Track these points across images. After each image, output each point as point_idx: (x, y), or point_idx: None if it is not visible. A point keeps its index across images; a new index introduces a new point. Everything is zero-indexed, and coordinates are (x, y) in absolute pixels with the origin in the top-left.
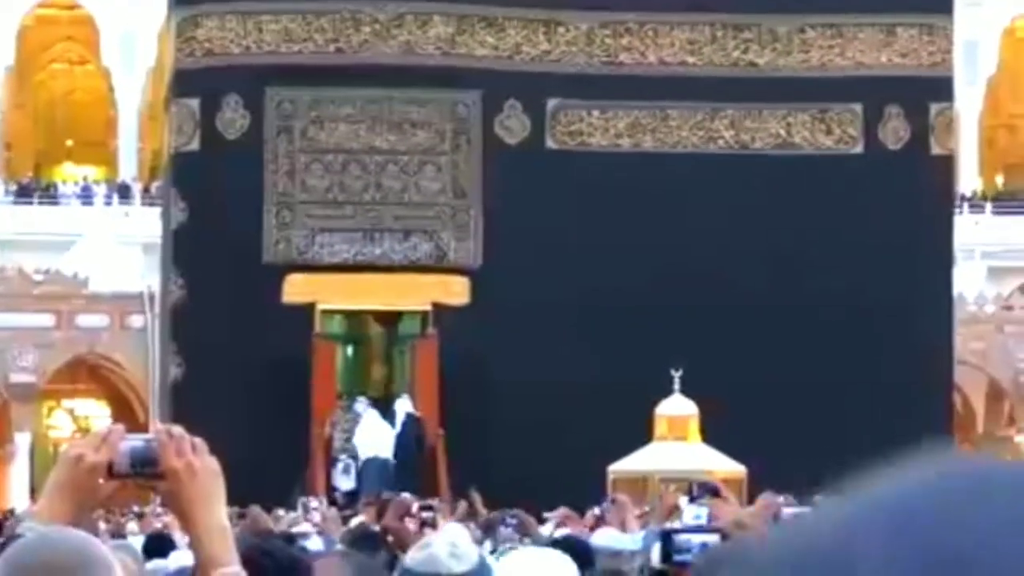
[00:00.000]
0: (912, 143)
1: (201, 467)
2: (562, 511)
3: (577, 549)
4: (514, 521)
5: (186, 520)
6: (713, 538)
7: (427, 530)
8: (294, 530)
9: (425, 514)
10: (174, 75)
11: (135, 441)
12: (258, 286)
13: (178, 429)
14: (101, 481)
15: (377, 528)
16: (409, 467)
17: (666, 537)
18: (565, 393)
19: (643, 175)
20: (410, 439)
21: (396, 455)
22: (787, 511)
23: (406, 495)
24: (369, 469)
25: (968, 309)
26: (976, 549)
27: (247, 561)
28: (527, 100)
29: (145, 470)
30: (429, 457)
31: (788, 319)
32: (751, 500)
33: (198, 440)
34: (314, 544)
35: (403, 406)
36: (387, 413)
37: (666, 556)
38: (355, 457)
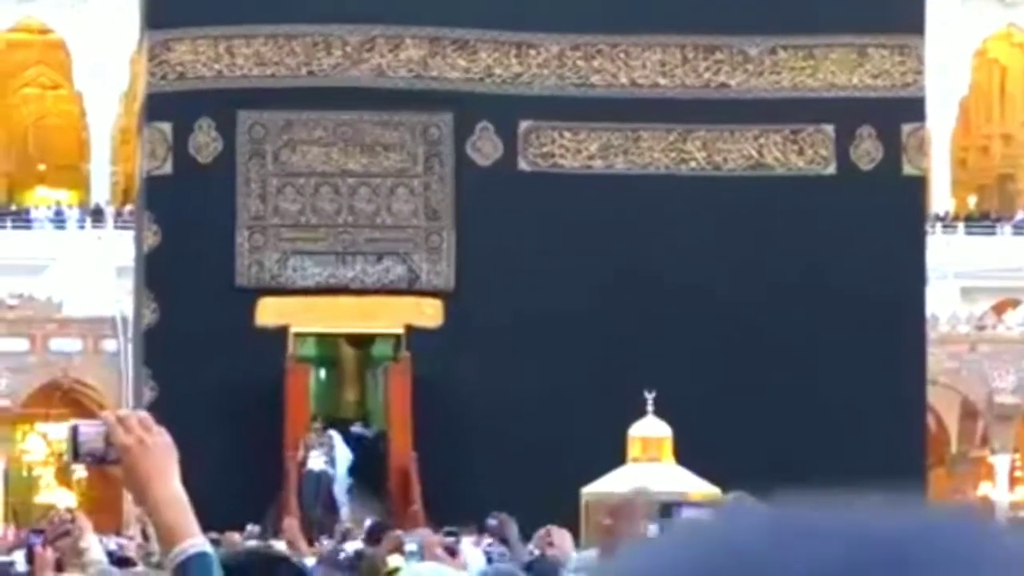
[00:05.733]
0: (884, 164)
1: (153, 441)
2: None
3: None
4: (494, 522)
5: (143, 495)
6: None
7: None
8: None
9: (448, 539)
10: (146, 99)
11: (93, 426)
12: (231, 309)
13: (123, 410)
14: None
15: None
16: (367, 490)
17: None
18: (538, 414)
19: (615, 196)
20: (364, 462)
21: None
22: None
23: (398, 532)
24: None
25: (941, 329)
26: None
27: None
28: (499, 122)
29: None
30: (400, 480)
31: (761, 340)
32: None
33: (144, 414)
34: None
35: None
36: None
37: None
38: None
